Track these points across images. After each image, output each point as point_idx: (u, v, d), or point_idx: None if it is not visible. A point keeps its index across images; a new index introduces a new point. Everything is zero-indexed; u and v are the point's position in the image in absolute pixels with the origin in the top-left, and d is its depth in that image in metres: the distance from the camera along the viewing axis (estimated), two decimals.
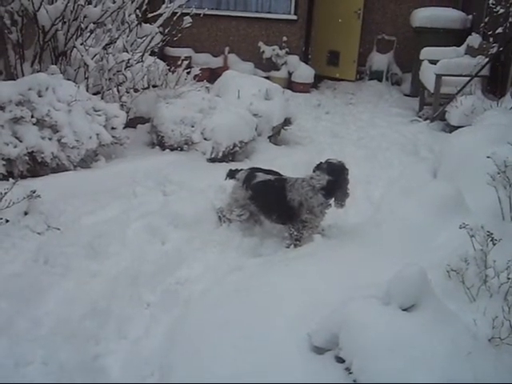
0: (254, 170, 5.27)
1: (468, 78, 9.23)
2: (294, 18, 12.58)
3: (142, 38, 8.01)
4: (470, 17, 11.65)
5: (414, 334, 3.11)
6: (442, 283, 3.84)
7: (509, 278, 3.54)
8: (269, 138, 7.92)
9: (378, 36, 13.42)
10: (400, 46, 13.21)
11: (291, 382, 3.21)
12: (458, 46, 10.66)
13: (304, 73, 12.35)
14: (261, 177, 5.14)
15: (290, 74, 12.43)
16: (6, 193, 4.68)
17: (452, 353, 3.00)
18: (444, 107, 9.31)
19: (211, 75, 11.18)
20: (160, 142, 7.15)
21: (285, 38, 12.56)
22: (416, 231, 4.86)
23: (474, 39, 10.31)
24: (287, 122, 8.31)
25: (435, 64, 9.78)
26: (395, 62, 13.31)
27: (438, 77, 9.56)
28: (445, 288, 3.80)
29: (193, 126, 7.01)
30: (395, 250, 4.61)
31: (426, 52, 10.82)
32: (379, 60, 13.28)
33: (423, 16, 11.74)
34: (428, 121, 9.73)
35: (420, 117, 10.30)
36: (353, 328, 3.22)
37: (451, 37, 11.36)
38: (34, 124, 5.81)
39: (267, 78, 10.41)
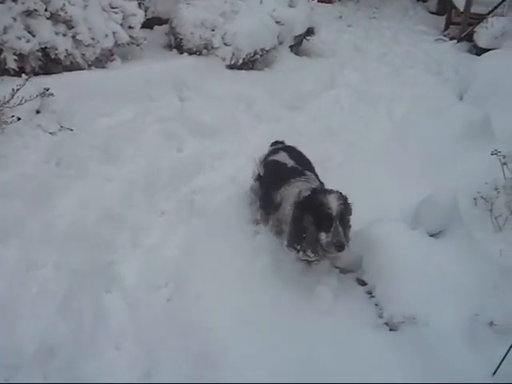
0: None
1: None
2: None
3: None
4: None
5: (441, 261, 3.02)
6: (467, 210, 3.71)
7: None
8: (290, 47, 7.63)
9: None
10: None
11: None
12: None
13: None
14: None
15: None
16: (18, 89, 4.48)
17: (480, 285, 2.91)
18: (473, 28, 8.94)
19: None
20: (178, 45, 6.87)
21: None
22: (439, 154, 4.69)
23: None
24: (310, 32, 8.01)
25: None
26: None
27: None
28: (470, 215, 3.67)
29: (213, 30, 6.71)
30: (418, 171, 4.47)
31: None
32: None
33: None
34: (454, 41, 9.38)
35: (445, 36, 9.94)
36: (378, 250, 3.13)
37: None
38: (47, 18, 5.53)
39: None
